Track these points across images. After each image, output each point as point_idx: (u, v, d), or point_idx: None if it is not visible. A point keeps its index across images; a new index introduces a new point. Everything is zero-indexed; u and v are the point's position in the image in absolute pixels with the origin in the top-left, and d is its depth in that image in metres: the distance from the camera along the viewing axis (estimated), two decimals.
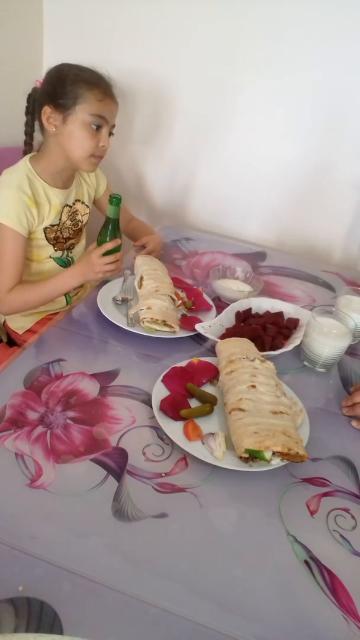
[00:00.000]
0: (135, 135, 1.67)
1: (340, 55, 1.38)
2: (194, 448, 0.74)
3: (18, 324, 1.25)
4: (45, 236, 1.17)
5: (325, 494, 0.72)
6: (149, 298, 1.03)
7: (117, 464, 0.71)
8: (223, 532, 0.64)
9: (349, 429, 0.86)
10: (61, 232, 1.21)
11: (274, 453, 0.71)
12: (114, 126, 1.14)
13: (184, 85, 1.55)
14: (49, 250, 1.20)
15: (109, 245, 1.07)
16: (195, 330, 1.00)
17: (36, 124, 1.17)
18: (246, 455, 0.71)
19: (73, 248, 1.28)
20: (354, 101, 1.43)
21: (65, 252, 1.26)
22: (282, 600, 0.58)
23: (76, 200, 1.25)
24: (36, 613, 0.51)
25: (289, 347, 0.98)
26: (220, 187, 1.68)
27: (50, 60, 1.60)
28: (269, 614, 0.56)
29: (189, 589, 0.57)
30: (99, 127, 1.09)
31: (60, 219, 1.20)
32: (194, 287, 1.19)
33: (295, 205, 1.64)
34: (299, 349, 1.00)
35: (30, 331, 1.24)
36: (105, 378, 0.87)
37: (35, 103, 1.14)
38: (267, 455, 0.71)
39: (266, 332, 1.01)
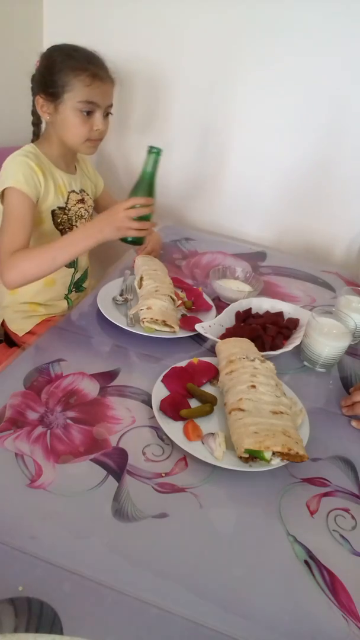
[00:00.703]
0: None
1: (341, 54, 1.38)
2: (194, 448, 0.74)
3: (18, 326, 1.25)
4: (53, 220, 1.17)
5: (325, 494, 0.72)
6: (149, 298, 1.03)
7: (117, 464, 0.71)
8: (223, 532, 0.64)
9: (349, 429, 0.86)
10: (69, 219, 1.20)
11: (274, 453, 0.71)
12: (110, 106, 1.13)
13: (184, 86, 1.55)
14: (56, 237, 1.17)
15: (139, 200, 0.94)
16: (195, 330, 1.00)
17: None
18: (246, 456, 0.71)
19: None
20: (355, 101, 1.43)
21: None
22: (282, 600, 0.58)
23: (82, 190, 1.26)
24: (36, 613, 0.51)
25: (289, 347, 0.98)
26: (221, 187, 1.68)
27: None
28: (269, 614, 0.56)
29: (189, 589, 0.57)
30: (90, 112, 1.09)
31: (66, 204, 1.19)
32: (194, 287, 1.19)
33: (295, 205, 1.64)
34: (299, 349, 1.00)
35: (30, 333, 1.23)
36: (105, 378, 0.87)
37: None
38: (267, 455, 0.71)
39: (266, 332, 1.01)
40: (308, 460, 0.73)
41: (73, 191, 1.22)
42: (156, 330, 1.00)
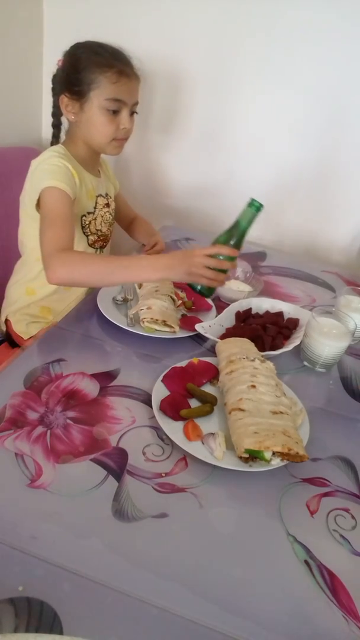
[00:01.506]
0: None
1: (342, 53, 1.38)
2: (194, 448, 0.74)
3: (23, 329, 1.24)
4: (82, 225, 1.16)
5: (325, 494, 0.72)
6: (149, 298, 1.03)
7: (117, 464, 0.71)
8: (223, 532, 0.64)
9: (349, 429, 0.86)
10: (95, 224, 1.19)
11: (274, 453, 0.71)
12: (136, 104, 1.10)
13: (184, 86, 1.55)
14: (83, 242, 1.18)
15: (224, 250, 0.87)
16: (195, 330, 1.00)
17: None
18: (246, 456, 0.71)
19: (104, 248, 1.27)
20: (356, 102, 1.43)
21: (98, 250, 1.25)
22: (282, 600, 0.58)
23: (107, 194, 1.25)
24: (36, 613, 0.51)
25: (289, 347, 0.98)
26: (220, 187, 1.68)
27: (50, 59, 1.61)
28: (269, 614, 0.56)
29: (189, 589, 0.57)
30: (116, 111, 1.06)
31: (95, 208, 1.18)
32: None
33: (296, 206, 1.64)
34: (299, 349, 1.00)
35: (34, 338, 1.23)
36: (105, 378, 0.87)
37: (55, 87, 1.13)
38: (267, 455, 0.71)
39: (266, 332, 1.01)
40: (308, 460, 0.73)
41: (100, 195, 1.21)
42: (156, 330, 1.00)
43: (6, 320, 1.27)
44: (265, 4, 1.38)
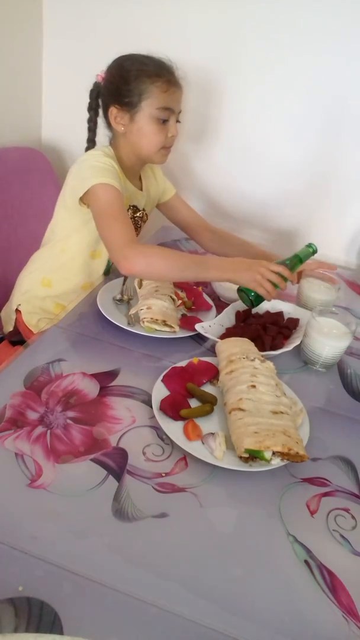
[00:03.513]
0: None
1: (342, 53, 1.38)
2: (194, 448, 0.74)
3: (35, 323, 1.23)
4: None
5: (325, 494, 0.72)
6: (149, 298, 1.03)
7: (117, 464, 0.71)
8: (223, 532, 0.64)
9: (349, 429, 0.86)
10: None
11: (274, 453, 0.71)
12: (180, 112, 1.13)
13: (184, 85, 1.55)
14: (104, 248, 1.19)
15: (284, 271, 0.99)
16: (195, 330, 1.00)
17: (99, 119, 1.17)
18: (246, 455, 0.71)
19: None
20: (356, 102, 1.43)
21: None
22: (282, 600, 0.58)
23: (143, 209, 1.26)
24: (36, 613, 0.51)
25: (289, 347, 0.98)
26: (220, 187, 1.68)
27: (50, 59, 1.61)
28: (269, 614, 0.56)
29: (189, 589, 0.57)
30: (165, 120, 1.09)
31: None
32: (194, 287, 1.19)
33: (295, 205, 1.64)
34: (299, 349, 1.00)
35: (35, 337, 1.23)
36: (105, 378, 0.87)
37: (99, 99, 1.14)
38: (267, 455, 0.71)
39: (266, 332, 1.01)
40: (308, 460, 0.73)
41: (134, 206, 1.21)
42: (156, 330, 1.00)
43: (17, 311, 1.26)
44: (266, 4, 1.38)
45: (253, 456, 0.72)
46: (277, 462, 0.72)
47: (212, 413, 0.82)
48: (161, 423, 0.77)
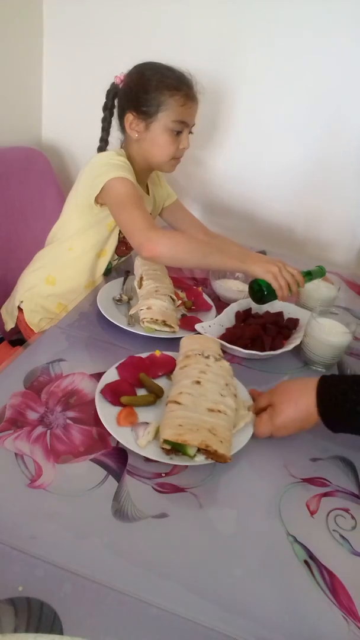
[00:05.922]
0: None
1: (342, 53, 1.38)
2: (119, 432, 0.73)
3: (36, 322, 1.23)
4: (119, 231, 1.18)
5: (325, 494, 0.72)
6: (149, 298, 1.03)
7: (117, 464, 0.71)
8: (223, 532, 0.64)
9: None
10: (121, 234, 1.21)
11: (199, 450, 0.70)
12: (193, 125, 1.14)
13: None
14: (110, 251, 1.21)
15: (299, 276, 1.02)
16: (195, 330, 1.00)
17: (113, 119, 1.18)
18: (168, 447, 0.70)
19: (126, 255, 1.30)
20: (356, 102, 1.43)
21: (119, 258, 1.28)
22: (282, 600, 0.58)
23: (150, 214, 1.25)
24: (36, 613, 0.51)
25: (289, 347, 0.98)
26: (220, 187, 1.68)
27: (50, 59, 1.61)
28: (269, 614, 0.56)
29: (189, 589, 0.57)
30: (179, 132, 1.10)
31: None
32: (194, 287, 1.19)
33: (295, 205, 1.64)
34: (299, 349, 1.00)
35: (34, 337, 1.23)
36: None
37: (115, 101, 1.15)
38: (191, 451, 0.70)
39: (266, 332, 1.01)
40: (308, 460, 0.73)
41: None
42: (156, 330, 1.00)
43: (19, 308, 1.26)
44: (266, 4, 1.38)
45: (176, 450, 0.70)
46: (201, 459, 0.70)
47: (155, 404, 0.81)
48: (97, 406, 0.77)
